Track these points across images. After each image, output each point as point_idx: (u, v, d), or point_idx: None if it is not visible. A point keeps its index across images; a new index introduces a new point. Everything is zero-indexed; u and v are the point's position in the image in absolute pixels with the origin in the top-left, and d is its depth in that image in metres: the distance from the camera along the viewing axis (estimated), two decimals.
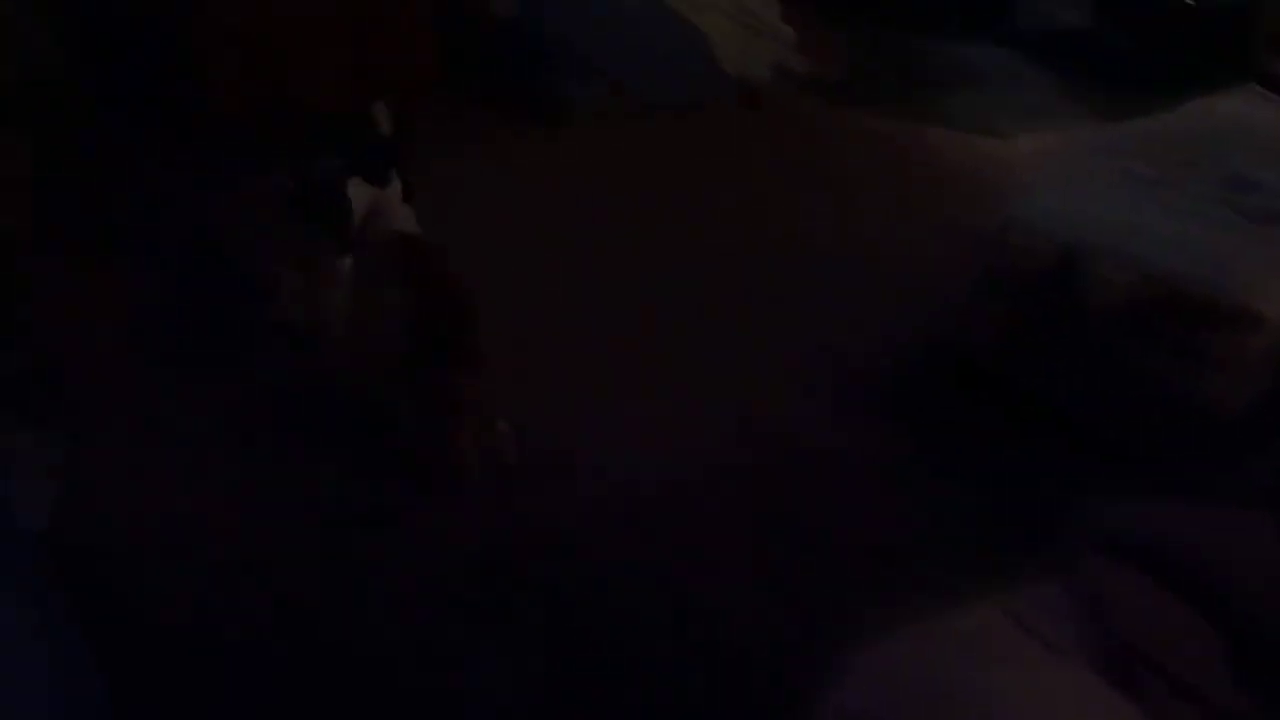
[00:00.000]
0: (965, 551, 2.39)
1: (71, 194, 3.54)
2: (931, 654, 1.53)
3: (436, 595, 2.29)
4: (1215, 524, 1.74)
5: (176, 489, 2.51)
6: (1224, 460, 2.31)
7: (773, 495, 2.55)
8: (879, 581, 2.33)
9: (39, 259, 3.21)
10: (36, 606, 1.68)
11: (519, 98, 4.11)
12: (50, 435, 2.61)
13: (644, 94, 4.06)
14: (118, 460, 2.57)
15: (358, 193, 2.75)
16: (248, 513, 2.46)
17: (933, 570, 2.33)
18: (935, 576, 2.29)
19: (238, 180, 3.40)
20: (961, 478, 2.60)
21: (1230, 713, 1.48)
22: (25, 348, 2.88)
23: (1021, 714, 1.43)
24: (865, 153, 3.93)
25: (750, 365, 2.92)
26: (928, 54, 4.54)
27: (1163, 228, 2.60)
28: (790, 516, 2.50)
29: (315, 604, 2.26)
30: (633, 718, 2.12)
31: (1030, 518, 2.43)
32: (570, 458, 2.61)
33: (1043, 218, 2.70)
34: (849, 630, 1.65)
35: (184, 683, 2.10)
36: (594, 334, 3.03)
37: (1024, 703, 1.44)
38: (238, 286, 3.10)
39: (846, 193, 3.71)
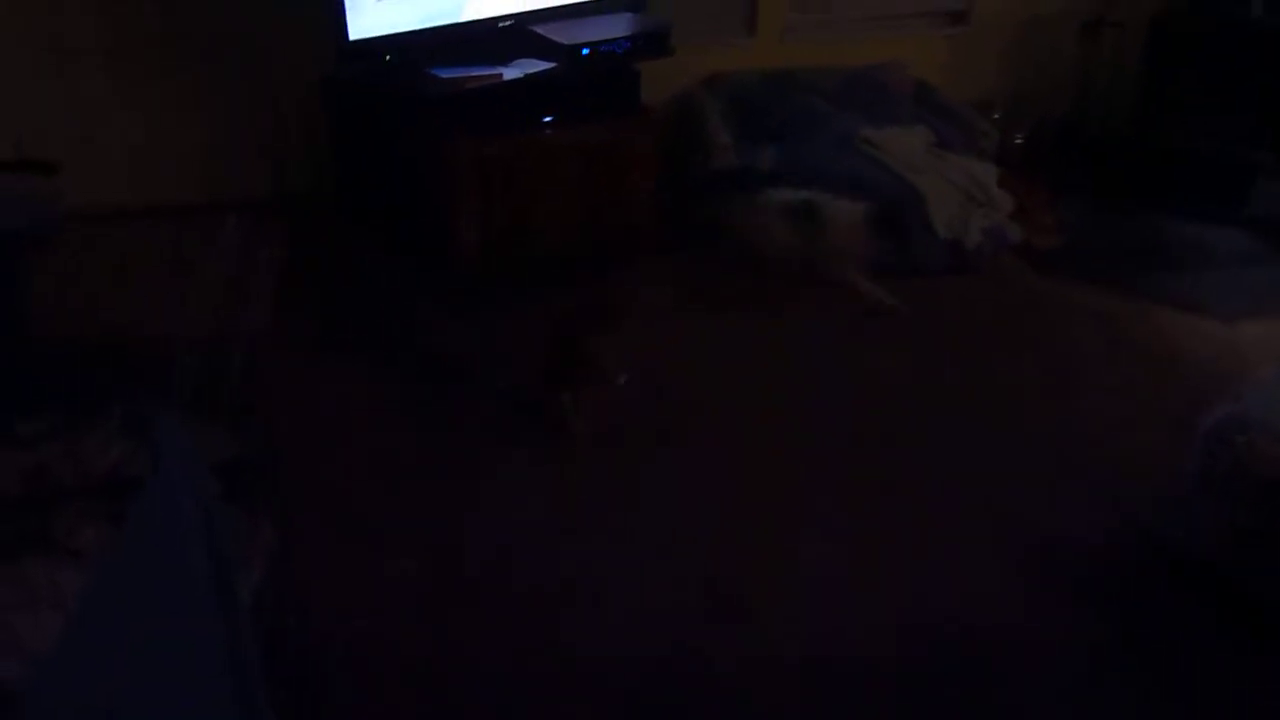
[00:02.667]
0: None
1: (315, 298, 3.90)
2: None
3: None
4: None
5: (375, 585, 2.65)
6: None
7: (952, 674, 2.43)
8: None
9: (274, 351, 3.50)
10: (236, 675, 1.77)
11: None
12: (262, 520, 2.76)
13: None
14: (318, 554, 2.72)
15: None
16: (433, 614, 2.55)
17: None
18: None
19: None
20: (1166, 684, 2.40)
21: None
22: (250, 434, 3.08)
23: None
24: (1079, 326, 3.82)
25: (943, 533, 2.83)
26: (1152, 231, 4.39)
27: None
28: (969, 701, 2.36)
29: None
30: None
31: None
32: (744, 603, 2.60)
33: (1274, 416, 2.52)
34: None
35: None
36: (782, 485, 3.02)
37: None
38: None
39: (1056, 366, 3.60)
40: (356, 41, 3.68)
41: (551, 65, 3.89)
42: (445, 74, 3.75)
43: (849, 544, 2.81)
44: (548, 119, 3.90)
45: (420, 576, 2.69)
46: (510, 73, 3.83)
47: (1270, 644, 2.45)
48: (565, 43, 3.92)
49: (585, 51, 3.91)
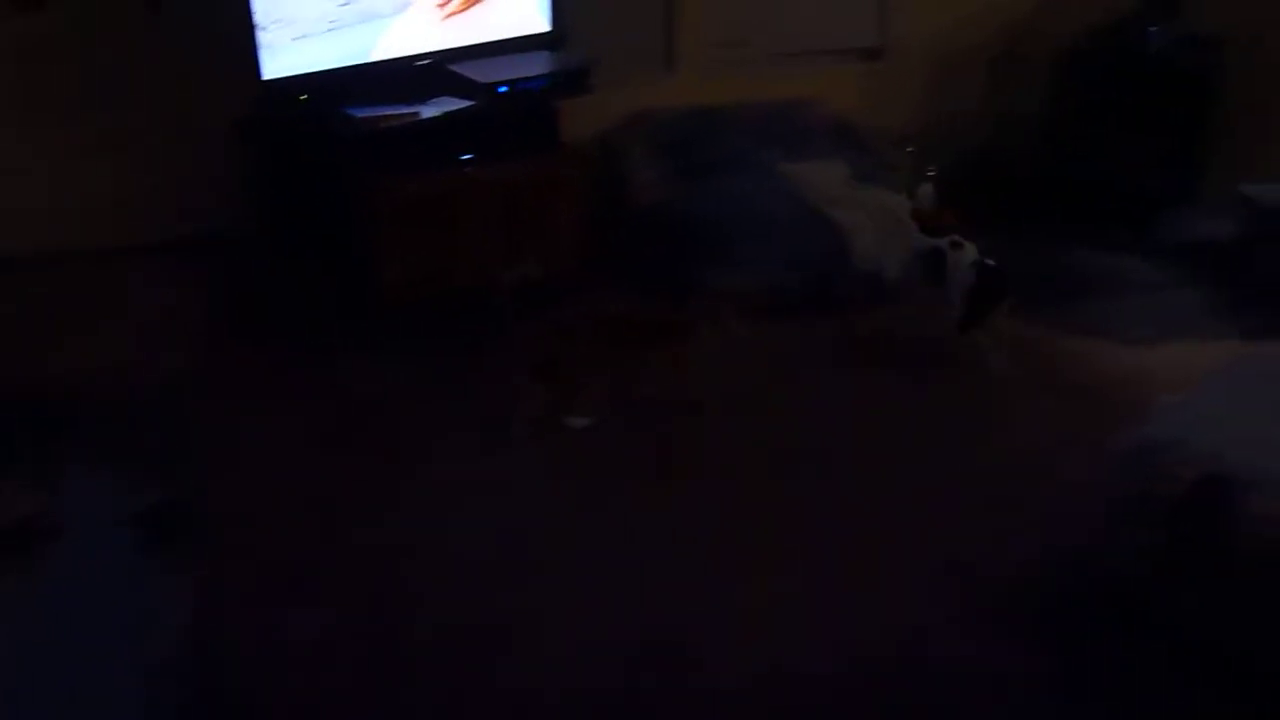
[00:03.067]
0: None
1: (241, 341, 3.87)
2: None
3: None
4: None
5: (306, 629, 2.60)
6: None
7: (894, 706, 2.44)
8: None
9: (198, 394, 3.49)
10: None
11: (658, 282, 4.25)
12: (186, 566, 2.69)
13: (779, 284, 4.11)
14: (241, 607, 2.66)
15: None
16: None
17: None
18: None
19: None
20: (1101, 709, 2.43)
21: None
22: (171, 480, 3.01)
23: None
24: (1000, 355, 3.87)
25: (881, 577, 2.84)
26: (1063, 260, 4.50)
27: None
28: None
29: None
30: None
31: None
32: (683, 647, 2.57)
33: (1185, 439, 2.57)
34: None
35: None
36: (714, 527, 3.01)
37: None
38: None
39: (977, 395, 3.65)
40: (271, 81, 3.65)
41: (470, 104, 3.89)
42: (362, 113, 3.73)
43: (782, 579, 2.80)
44: (467, 157, 3.89)
45: (355, 618, 2.64)
46: (428, 111, 3.82)
47: (1195, 670, 2.48)
48: (483, 81, 3.92)
49: (503, 89, 3.92)
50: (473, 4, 4.06)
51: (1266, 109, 4.89)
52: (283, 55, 3.65)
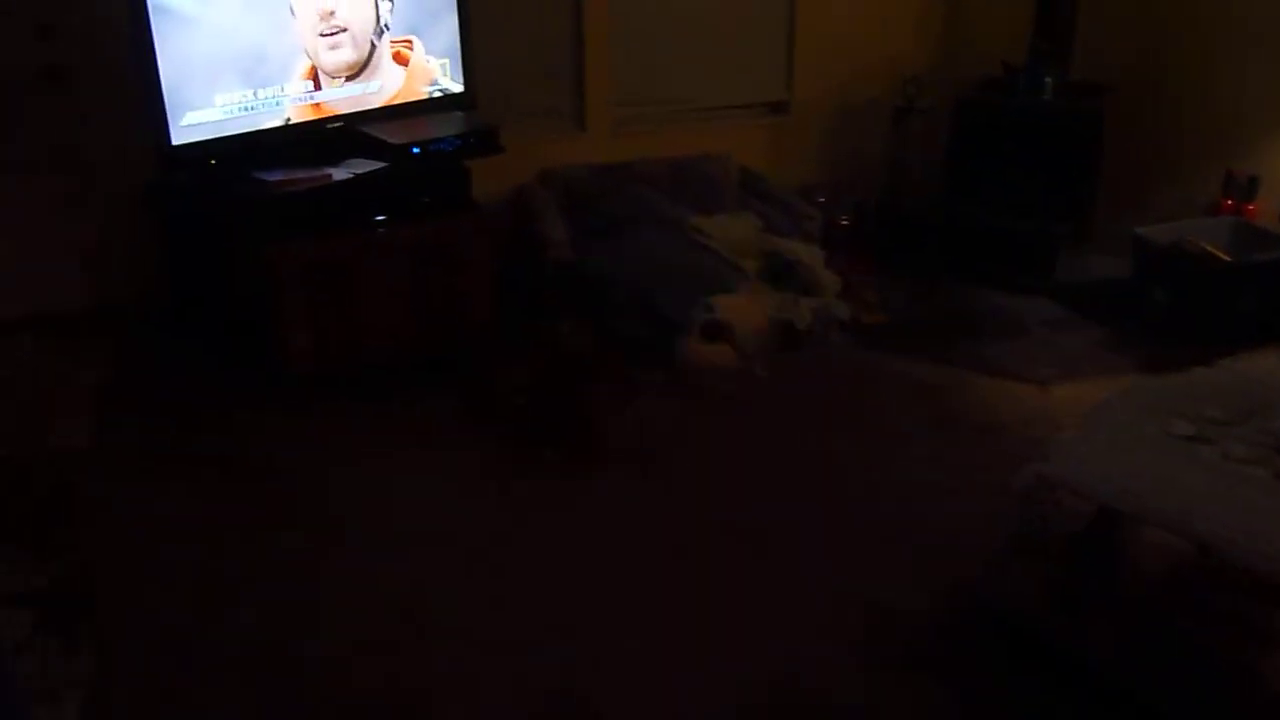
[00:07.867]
0: None
1: (138, 413, 3.77)
2: None
3: None
4: None
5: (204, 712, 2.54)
6: None
7: None
8: None
9: (95, 471, 3.40)
10: None
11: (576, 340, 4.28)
12: (77, 651, 2.63)
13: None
14: (142, 682, 2.60)
15: None
16: None
17: None
18: None
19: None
20: None
21: None
22: (63, 561, 2.94)
23: None
24: (905, 398, 3.97)
25: (783, 616, 2.87)
26: (968, 303, 4.63)
27: (1204, 489, 2.54)
28: None
29: None
30: None
31: None
32: (589, 706, 2.56)
33: (1078, 474, 2.65)
34: None
35: None
36: (617, 580, 3.03)
37: None
38: None
39: (884, 438, 3.73)
40: (180, 146, 3.65)
41: (382, 165, 3.92)
42: (273, 176, 3.74)
43: (682, 623, 2.83)
44: (380, 218, 3.91)
45: (255, 698, 2.59)
46: (340, 173, 3.84)
47: (1090, 701, 2.53)
48: (395, 142, 3.96)
49: (415, 150, 3.96)
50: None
51: (1155, 154, 5.11)
52: (190, 119, 3.65)
